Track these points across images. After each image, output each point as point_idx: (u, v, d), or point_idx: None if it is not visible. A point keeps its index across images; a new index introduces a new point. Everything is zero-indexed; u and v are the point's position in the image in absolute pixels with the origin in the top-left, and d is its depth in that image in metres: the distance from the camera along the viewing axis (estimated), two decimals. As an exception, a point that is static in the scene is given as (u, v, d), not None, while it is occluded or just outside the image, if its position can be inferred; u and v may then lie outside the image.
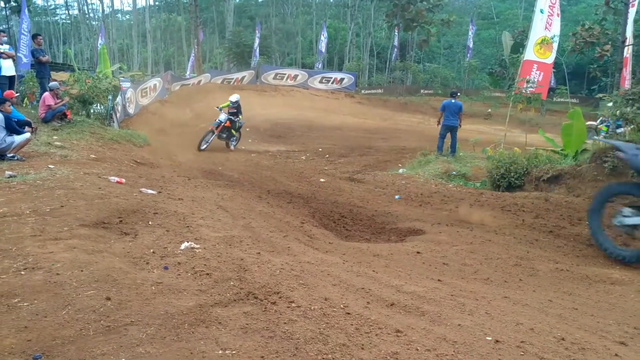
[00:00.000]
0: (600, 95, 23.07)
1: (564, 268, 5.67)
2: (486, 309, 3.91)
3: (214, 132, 15.09)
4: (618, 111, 9.78)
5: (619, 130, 14.12)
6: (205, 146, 14.73)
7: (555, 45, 14.82)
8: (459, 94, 15.35)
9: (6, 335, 2.80)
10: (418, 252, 5.99)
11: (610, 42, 28.04)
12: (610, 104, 10.68)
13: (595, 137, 14.91)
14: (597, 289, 5.04)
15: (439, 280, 4.79)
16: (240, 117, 15.77)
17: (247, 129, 20.09)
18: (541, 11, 14.50)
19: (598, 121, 15.26)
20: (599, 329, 3.77)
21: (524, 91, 13.76)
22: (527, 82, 13.83)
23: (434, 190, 10.54)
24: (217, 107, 15.70)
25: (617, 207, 6.54)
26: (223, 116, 15.17)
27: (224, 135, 15.55)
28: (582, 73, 37.17)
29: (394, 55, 39.76)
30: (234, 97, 15.90)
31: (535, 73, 14.45)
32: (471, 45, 40.43)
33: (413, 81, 39.05)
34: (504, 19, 53.55)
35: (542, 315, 3.95)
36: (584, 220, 7.75)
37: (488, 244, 6.59)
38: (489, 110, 29.08)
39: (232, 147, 15.85)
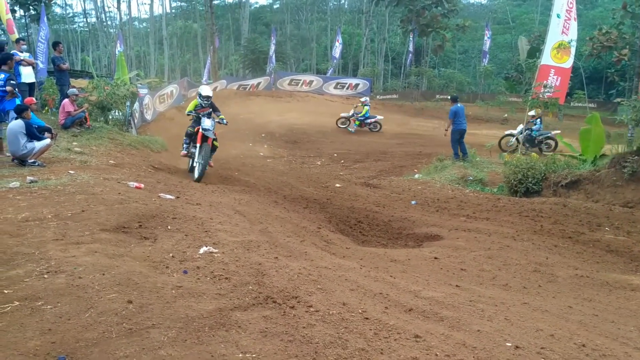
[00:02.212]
0: (619, 99, 22.84)
1: (584, 274, 5.62)
2: (505, 314, 3.89)
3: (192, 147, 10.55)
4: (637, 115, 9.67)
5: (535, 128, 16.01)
6: (198, 174, 9.78)
7: (572, 50, 14.70)
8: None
9: (31, 337, 2.85)
10: (435, 258, 5.97)
11: (628, 47, 27.74)
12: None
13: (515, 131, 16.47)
14: (617, 295, 4.98)
15: (457, 285, 4.78)
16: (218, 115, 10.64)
17: (263, 135, 20.20)
18: (558, 16, 14.40)
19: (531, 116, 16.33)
20: (620, 335, 3.73)
21: (541, 96, 13.65)
22: (545, 86, 13.72)
23: (451, 195, 10.49)
24: (188, 112, 10.74)
25: None
26: (209, 122, 10.01)
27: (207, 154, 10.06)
28: (600, 77, 36.77)
29: (409, 60, 39.67)
30: (205, 90, 10.81)
31: (553, 78, 14.34)
32: (487, 49, 40.22)
33: (428, 86, 38.95)
34: (520, 23, 53.25)
35: (562, 321, 3.92)
36: (603, 226, 7.69)
37: (506, 249, 6.54)
38: (506, 115, 28.82)
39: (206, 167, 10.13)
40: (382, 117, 22.72)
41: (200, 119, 10.29)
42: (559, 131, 16.56)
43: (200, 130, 10.03)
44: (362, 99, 23.23)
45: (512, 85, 38.76)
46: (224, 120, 10.69)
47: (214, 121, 10.27)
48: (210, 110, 10.57)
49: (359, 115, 22.05)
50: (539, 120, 16.34)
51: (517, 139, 16.25)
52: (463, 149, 13.94)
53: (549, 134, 16.24)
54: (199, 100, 10.62)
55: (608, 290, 5.15)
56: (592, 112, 13.56)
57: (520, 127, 16.25)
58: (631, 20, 27.96)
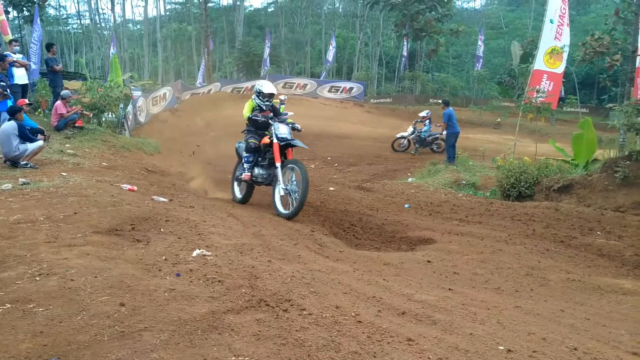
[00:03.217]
0: (611, 105, 23.01)
1: (576, 278, 5.65)
2: (498, 318, 3.90)
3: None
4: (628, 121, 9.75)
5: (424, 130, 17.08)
6: (294, 208, 7.40)
7: (565, 55, 14.80)
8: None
9: (22, 339, 2.83)
10: (428, 261, 5.98)
11: (620, 52, 27.97)
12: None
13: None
14: (609, 299, 5.01)
15: (449, 289, 4.79)
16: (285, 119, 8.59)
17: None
18: (551, 21, 14.49)
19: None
20: (611, 339, 3.75)
21: (533, 101, 13.74)
22: (537, 91, 13.81)
23: (444, 199, 10.52)
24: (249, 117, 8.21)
25: None
26: (285, 129, 7.88)
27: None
28: (592, 83, 37.06)
29: (402, 64, 39.84)
30: (267, 87, 8.38)
31: (545, 83, 14.42)
32: (481, 54, 40.44)
33: (422, 90, 39.07)
34: (513, 28, 53.57)
35: (554, 325, 3.94)
36: (595, 231, 7.73)
37: (499, 253, 6.57)
38: (498, 119, 29.01)
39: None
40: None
41: (262, 127, 8.13)
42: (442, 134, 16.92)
43: (275, 140, 7.66)
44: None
45: (505, 90, 38.99)
46: (297, 125, 8.26)
47: (289, 126, 7.97)
48: (271, 114, 8.18)
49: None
50: (428, 121, 17.29)
51: (408, 140, 16.90)
52: (454, 153, 14.02)
53: (437, 135, 16.95)
54: (258, 100, 8.19)
55: (599, 294, 5.18)
56: (584, 117, 13.65)
57: (411, 129, 17.35)
58: (623, 26, 28.22)
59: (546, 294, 5.04)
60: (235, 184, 8.97)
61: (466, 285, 5.11)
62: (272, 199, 7.90)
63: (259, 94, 8.20)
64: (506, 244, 7.10)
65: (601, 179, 9.50)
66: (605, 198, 9.28)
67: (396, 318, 3.68)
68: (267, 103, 8.23)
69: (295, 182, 7.51)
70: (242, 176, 8.32)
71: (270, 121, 7.97)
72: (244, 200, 8.63)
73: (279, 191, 7.63)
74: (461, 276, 5.49)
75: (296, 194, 7.40)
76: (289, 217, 7.37)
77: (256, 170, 8.18)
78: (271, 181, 7.99)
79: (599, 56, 28.71)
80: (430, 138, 17.22)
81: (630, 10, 25.12)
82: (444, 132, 14.24)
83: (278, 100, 20.18)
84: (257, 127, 8.19)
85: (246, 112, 8.25)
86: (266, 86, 8.33)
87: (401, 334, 3.29)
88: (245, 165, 8.23)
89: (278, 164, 7.62)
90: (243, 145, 8.47)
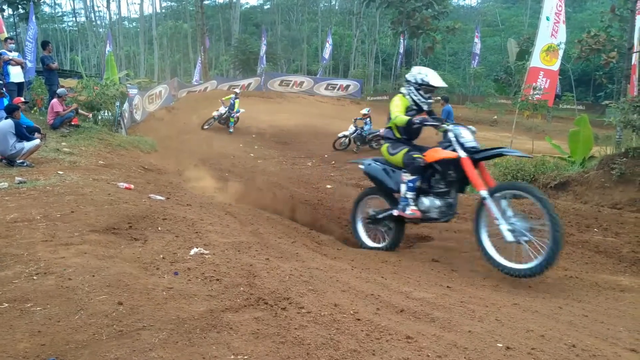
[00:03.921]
0: (607, 102, 23.06)
1: (573, 275, 5.66)
2: (496, 315, 3.90)
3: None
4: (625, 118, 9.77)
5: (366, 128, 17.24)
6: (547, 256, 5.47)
7: (560, 52, 14.83)
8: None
9: (20, 339, 2.82)
10: (426, 259, 5.98)
11: (616, 49, 28.03)
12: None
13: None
14: (606, 296, 5.02)
15: (448, 286, 4.79)
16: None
17: (254, 136, 20.19)
18: (547, 18, 14.52)
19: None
20: (609, 336, 3.76)
21: (530, 98, 13.76)
22: (534, 89, 13.83)
23: (441, 196, 10.51)
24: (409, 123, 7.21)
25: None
26: (469, 134, 5.64)
27: None
28: (588, 80, 37.13)
29: (399, 62, 39.81)
30: (434, 79, 6.42)
31: (542, 80, 14.45)
32: (478, 52, 40.47)
33: (418, 88, 39.05)
34: (509, 26, 53.63)
35: (553, 322, 3.94)
36: (592, 227, 7.74)
37: (496, 250, 6.56)
38: (495, 117, 29.06)
39: None
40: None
41: (415, 133, 6.20)
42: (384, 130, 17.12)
43: (463, 154, 5.43)
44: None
45: (501, 87, 39.01)
46: (474, 129, 5.80)
47: (469, 130, 5.71)
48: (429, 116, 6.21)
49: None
50: (368, 119, 17.56)
51: (350, 139, 17.07)
52: None
53: (377, 132, 17.00)
54: (416, 96, 6.09)
55: (597, 291, 5.19)
56: (580, 114, 13.68)
57: (352, 128, 17.49)
58: (619, 23, 28.28)
59: (544, 291, 5.05)
60: (360, 224, 6.73)
61: (464, 283, 5.11)
62: (481, 248, 5.36)
63: (421, 86, 6.00)
64: (504, 241, 7.10)
65: (598, 176, 9.52)
66: (602, 195, 9.30)
67: (395, 316, 3.68)
68: (430, 101, 6.17)
69: (520, 219, 5.11)
70: (407, 212, 5.92)
71: (441, 125, 5.69)
72: (393, 246, 6.48)
73: (504, 235, 5.11)
74: (459, 273, 5.50)
75: (529, 237, 5.01)
76: (529, 274, 4.95)
77: (426, 201, 5.87)
78: (452, 215, 5.99)
79: (595, 53, 28.76)
80: (370, 136, 17.38)
81: (626, 7, 25.17)
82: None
83: (233, 95, 20.20)
84: (410, 134, 6.15)
85: (399, 112, 5.97)
86: (433, 77, 6.02)
87: (400, 332, 3.29)
88: (409, 195, 5.87)
89: (483, 192, 5.26)
90: (377, 166, 6.36)
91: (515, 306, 4.30)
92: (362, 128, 17.52)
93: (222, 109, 19.77)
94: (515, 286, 5.18)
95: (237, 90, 21.25)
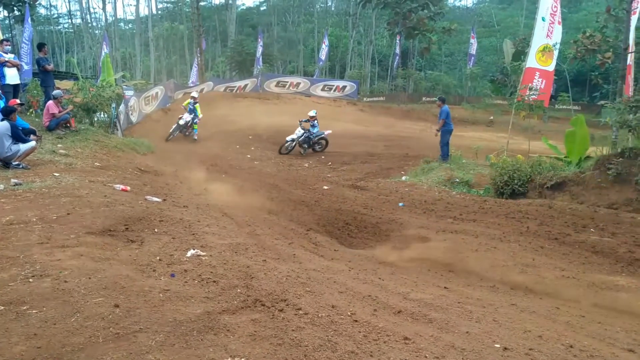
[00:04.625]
0: (603, 102, 23.12)
1: (570, 275, 5.66)
2: (494, 316, 3.90)
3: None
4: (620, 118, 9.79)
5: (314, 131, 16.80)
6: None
7: (556, 53, 14.85)
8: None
9: (16, 342, 2.80)
10: (423, 260, 5.99)
11: (611, 50, 28.09)
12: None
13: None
14: (603, 296, 5.03)
15: (445, 287, 4.79)
16: None
17: (250, 137, 20.15)
18: (542, 19, 14.53)
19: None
20: (606, 336, 3.77)
21: (526, 98, 13.76)
22: (530, 89, 13.83)
23: (438, 197, 10.52)
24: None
25: None
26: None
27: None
28: (584, 80, 37.15)
29: (395, 63, 39.77)
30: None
31: (538, 80, 14.46)
32: (474, 52, 40.51)
33: (415, 89, 39.07)
34: (505, 26, 53.61)
35: (550, 322, 3.94)
36: (588, 228, 7.76)
37: (493, 251, 6.58)
38: (491, 117, 29.08)
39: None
40: (330, 132, 17.72)
41: None
42: (330, 131, 17.50)
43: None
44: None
45: (497, 87, 39.03)
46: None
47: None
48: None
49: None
50: (315, 121, 17.13)
51: (297, 142, 16.91)
52: (447, 151, 14.04)
53: (323, 134, 17.08)
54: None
55: (594, 291, 5.20)
56: (576, 115, 13.70)
57: (300, 130, 16.98)
58: (615, 23, 28.31)
59: (541, 292, 5.05)
60: None
61: (461, 284, 5.12)
62: None
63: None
64: (501, 242, 7.11)
65: (594, 176, 9.53)
66: (598, 195, 9.31)
67: (392, 317, 3.67)
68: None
69: None
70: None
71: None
72: None
73: None
74: (456, 274, 5.50)
75: None
76: None
77: None
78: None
79: (590, 54, 28.81)
80: (316, 138, 17.11)
81: (622, 7, 25.26)
82: (439, 130, 14.15)
83: (191, 100, 17.91)
84: None
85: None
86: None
87: (397, 333, 3.29)
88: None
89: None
90: None
91: (513, 307, 4.31)
92: (309, 130, 17.13)
93: (187, 116, 17.54)
94: (512, 287, 5.18)
95: (195, 95, 18.54)
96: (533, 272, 5.72)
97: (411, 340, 3.19)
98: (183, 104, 18.46)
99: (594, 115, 24.93)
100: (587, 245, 7.05)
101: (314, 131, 17.07)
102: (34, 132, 9.24)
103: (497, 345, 3.24)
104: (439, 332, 3.41)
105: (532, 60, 14.61)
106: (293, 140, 17.08)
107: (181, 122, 17.45)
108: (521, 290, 5.08)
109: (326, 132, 17.25)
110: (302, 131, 17.08)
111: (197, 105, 17.76)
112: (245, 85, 32.56)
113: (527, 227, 7.98)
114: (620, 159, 9.22)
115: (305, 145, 17.15)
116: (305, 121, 17.30)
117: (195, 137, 17.92)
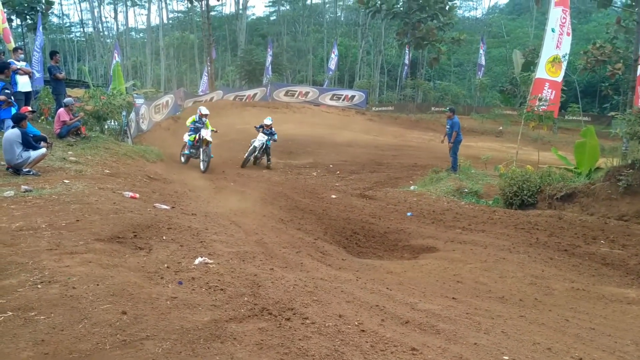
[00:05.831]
0: (613, 113, 23.00)
1: (580, 287, 5.61)
2: (502, 327, 3.87)
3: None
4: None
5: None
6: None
7: (564, 64, 14.81)
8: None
9: (24, 348, 2.81)
10: (432, 270, 5.95)
11: (621, 61, 28.01)
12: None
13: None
14: (613, 308, 4.97)
15: (453, 298, 4.76)
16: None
17: (259, 146, 20.19)
18: (552, 30, 14.50)
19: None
20: (616, 349, 3.72)
21: (536, 109, 13.72)
22: (540, 100, 13.79)
23: (446, 207, 10.49)
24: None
25: None
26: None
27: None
28: (594, 91, 37.03)
29: (404, 72, 39.84)
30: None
31: (547, 91, 14.42)
32: (483, 62, 40.50)
33: (424, 99, 39.08)
34: (515, 37, 53.62)
35: (559, 334, 3.90)
36: (598, 239, 7.70)
37: (502, 262, 6.53)
38: (500, 127, 29.03)
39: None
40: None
41: None
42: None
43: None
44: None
45: (506, 98, 38.99)
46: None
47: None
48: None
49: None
50: (272, 129, 15.48)
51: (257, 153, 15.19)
52: (456, 161, 14.01)
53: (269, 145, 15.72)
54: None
55: (604, 303, 5.14)
56: (586, 126, 13.64)
57: (263, 138, 15.15)
58: (625, 34, 28.28)
59: (551, 304, 5.00)
60: None
61: (470, 294, 5.08)
62: None
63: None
64: (510, 253, 7.06)
65: (604, 187, 9.46)
66: (608, 207, 9.24)
67: (400, 327, 3.65)
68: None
69: None
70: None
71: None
72: None
73: None
74: (465, 285, 5.46)
75: None
76: None
77: None
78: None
79: (600, 65, 28.76)
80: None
81: (632, 19, 25.21)
82: (452, 142, 14.08)
83: (196, 117, 14.47)
84: None
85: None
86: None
87: (405, 344, 3.27)
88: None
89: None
90: None
91: (522, 318, 4.27)
92: (267, 140, 15.24)
93: (261, 137, 15.24)
94: (521, 298, 5.14)
95: (205, 111, 14.72)
96: (542, 283, 5.67)
97: (419, 351, 3.17)
98: (187, 122, 14.66)
99: (604, 126, 24.82)
100: (597, 257, 7.00)
101: (275, 137, 15.57)
102: (44, 139, 9.31)
103: (506, 358, 3.21)
104: (447, 343, 3.38)
105: (541, 71, 14.57)
106: (255, 148, 15.13)
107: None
108: (530, 301, 5.04)
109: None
110: (264, 139, 15.19)
111: (207, 121, 14.57)
112: (255, 94, 32.70)
113: (537, 238, 7.92)
114: (631, 170, 9.16)
115: (258, 154, 15.29)
116: (260, 128, 15.50)
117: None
